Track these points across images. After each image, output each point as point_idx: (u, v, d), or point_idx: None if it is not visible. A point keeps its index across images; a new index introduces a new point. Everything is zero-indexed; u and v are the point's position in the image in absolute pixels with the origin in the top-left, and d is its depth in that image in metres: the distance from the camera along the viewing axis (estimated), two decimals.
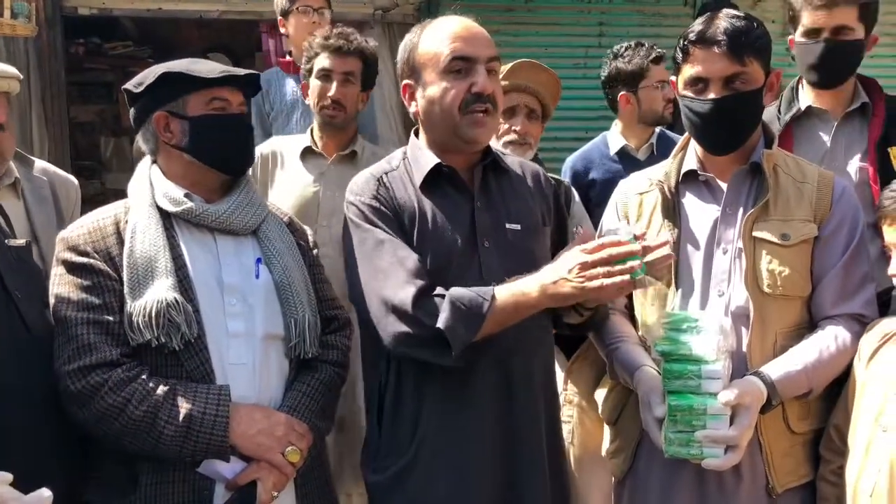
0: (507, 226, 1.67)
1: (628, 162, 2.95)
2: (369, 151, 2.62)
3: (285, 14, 3.22)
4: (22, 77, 2.26)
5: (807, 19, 2.20)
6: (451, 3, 4.97)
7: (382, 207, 1.65)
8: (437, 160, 1.69)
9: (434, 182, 1.69)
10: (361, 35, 2.63)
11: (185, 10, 4.45)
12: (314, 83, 2.54)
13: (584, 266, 1.46)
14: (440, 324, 1.51)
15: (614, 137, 3.05)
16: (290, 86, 3.17)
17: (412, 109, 1.72)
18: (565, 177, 2.94)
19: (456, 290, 1.55)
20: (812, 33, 2.20)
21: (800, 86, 2.35)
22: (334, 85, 2.50)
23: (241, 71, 1.72)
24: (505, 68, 2.29)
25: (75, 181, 2.47)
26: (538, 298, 1.52)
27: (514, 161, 1.82)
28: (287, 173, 2.55)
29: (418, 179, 1.69)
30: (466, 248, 1.64)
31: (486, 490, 1.63)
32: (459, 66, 1.63)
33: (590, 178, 2.98)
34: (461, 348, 1.53)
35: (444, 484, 1.62)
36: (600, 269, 1.44)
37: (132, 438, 1.57)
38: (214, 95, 1.68)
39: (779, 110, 2.37)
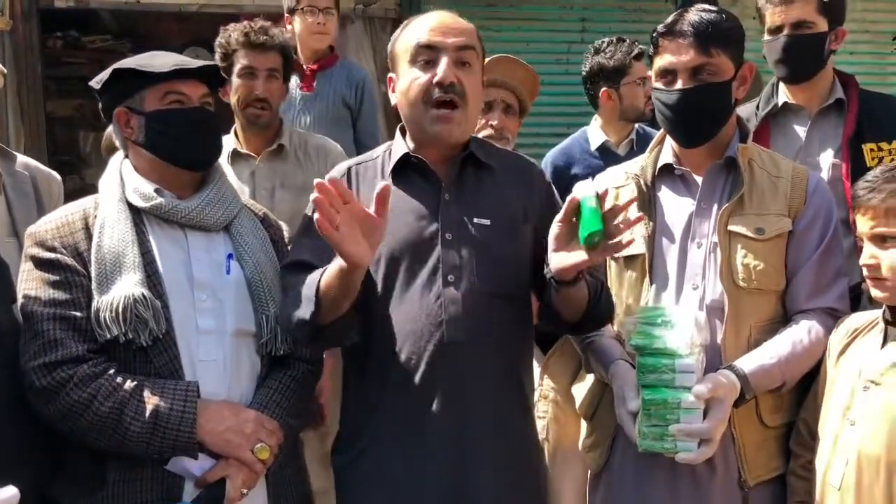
0: (476, 220, 1.65)
1: (609, 157, 2.94)
2: (297, 139, 2.58)
3: (291, 11, 3.15)
4: (6, 72, 2.23)
5: (768, 17, 2.25)
6: None
7: None
8: (406, 150, 1.68)
9: (405, 173, 1.68)
10: (278, 27, 2.57)
11: (165, 4, 4.41)
12: (237, 82, 2.46)
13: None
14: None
15: (595, 133, 3.04)
16: (293, 83, 3.11)
17: (393, 102, 1.72)
18: (545, 172, 2.93)
19: (306, 280, 1.52)
20: (774, 30, 2.24)
21: (779, 82, 2.36)
22: (259, 82, 2.44)
23: (195, 63, 1.68)
24: None
25: (58, 177, 2.44)
26: (337, 270, 1.45)
27: (506, 155, 1.79)
28: None
29: (389, 169, 1.69)
30: (428, 239, 1.63)
31: (438, 479, 1.61)
32: (425, 55, 1.61)
33: (571, 174, 2.98)
34: (306, 336, 1.54)
35: (398, 465, 1.62)
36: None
37: (98, 435, 1.55)
38: (169, 90, 1.64)
39: (757, 107, 2.39)
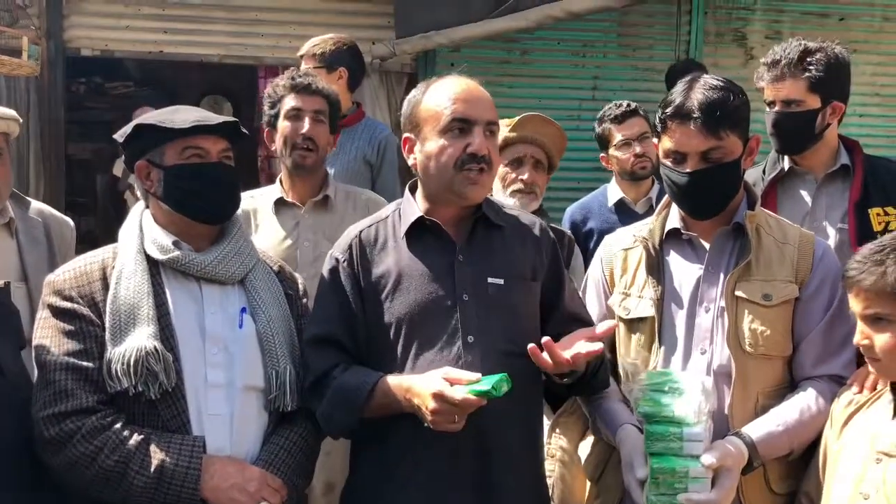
0: (490, 280, 1.68)
1: (626, 214, 3.02)
2: (342, 194, 2.56)
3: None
4: (21, 120, 2.28)
5: (764, 90, 2.30)
6: (448, 54, 5.04)
7: (344, 263, 1.73)
8: (420, 213, 1.72)
9: (418, 235, 1.71)
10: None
11: (187, 54, 4.54)
12: (283, 125, 2.44)
13: (441, 400, 1.50)
14: (318, 410, 1.68)
15: (613, 190, 3.17)
16: None
17: (410, 162, 1.76)
18: (565, 226, 2.99)
19: (344, 378, 1.65)
20: (769, 104, 2.29)
21: None
22: (306, 122, 2.42)
23: (216, 119, 1.72)
24: (513, 121, 2.37)
25: (71, 222, 2.47)
26: (403, 408, 1.58)
27: (513, 213, 1.84)
28: (262, 230, 2.46)
29: (402, 231, 1.72)
30: (445, 301, 1.65)
31: None
32: (458, 126, 1.67)
33: (587, 229, 3.08)
34: (337, 434, 1.72)
35: None
36: (454, 412, 1.50)
37: (102, 488, 1.55)
38: (188, 145, 1.68)
39: (763, 170, 2.42)
